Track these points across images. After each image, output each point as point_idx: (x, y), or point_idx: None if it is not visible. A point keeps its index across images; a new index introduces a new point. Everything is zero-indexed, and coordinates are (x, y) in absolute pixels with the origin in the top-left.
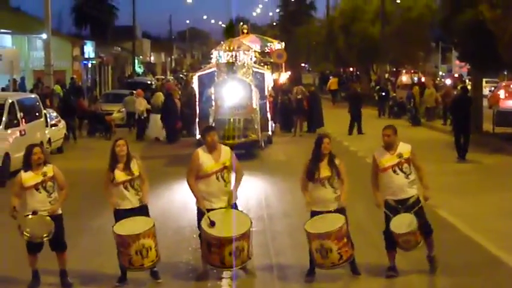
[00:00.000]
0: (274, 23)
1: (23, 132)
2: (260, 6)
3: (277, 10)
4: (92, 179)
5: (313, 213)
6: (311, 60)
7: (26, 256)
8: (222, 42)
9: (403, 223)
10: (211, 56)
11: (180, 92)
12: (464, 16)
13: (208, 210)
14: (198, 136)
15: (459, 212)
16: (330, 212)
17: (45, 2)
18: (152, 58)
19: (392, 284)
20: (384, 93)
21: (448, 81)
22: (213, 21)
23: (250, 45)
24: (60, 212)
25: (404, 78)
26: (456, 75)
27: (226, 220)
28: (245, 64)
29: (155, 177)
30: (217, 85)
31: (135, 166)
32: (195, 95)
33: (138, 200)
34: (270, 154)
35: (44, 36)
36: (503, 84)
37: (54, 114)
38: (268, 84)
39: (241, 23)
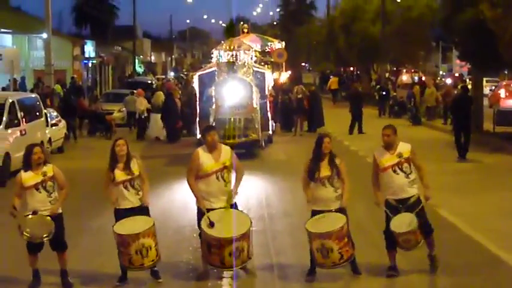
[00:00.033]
0: (275, 23)
1: (23, 132)
2: (260, 5)
3: (278, 9)
4: (92, 178)
5: (314, 213)
6: (311, 59)
7: (26, 256)
8: (222, 42)
9: (404, 222)
10: (212, 55)
11: (180, 92)
12: (464, 15)
13: (208, 210)
14: (198, 136)
15: (459, 211)
16: (331, 211)
17: (45, 1)
18: (153, 58)
19: (392, 284)
20: (384, 93)
21: (449, 81)
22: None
23: (250, 45)
24: (60, 211)
25: (405, 78)
26: (457, 74)
27: (226, 220)
28: (245, 63)
29: (155, 177)
30: (218, 84)
31: (135, 166)
32: (195, 94)
33: (139, 200)
34: (271, 153)
35: (45, 35)
36: (504, 83)
37: (55, 113)
38: (269, 83)
39: (242, 23)
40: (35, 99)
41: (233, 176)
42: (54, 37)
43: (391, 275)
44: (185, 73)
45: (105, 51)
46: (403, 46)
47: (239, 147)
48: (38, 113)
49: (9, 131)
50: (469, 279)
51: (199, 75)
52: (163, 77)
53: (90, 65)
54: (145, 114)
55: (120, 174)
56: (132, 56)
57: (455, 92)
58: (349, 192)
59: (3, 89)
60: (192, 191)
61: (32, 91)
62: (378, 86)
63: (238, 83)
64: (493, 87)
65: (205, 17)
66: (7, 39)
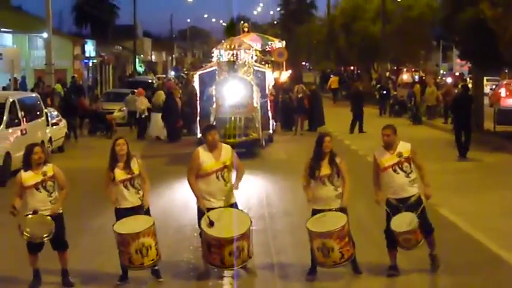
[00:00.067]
0: (275, 22)
1: (24, 132)
2: (261, 4)
3: (278, 9)
4: (92, 178)
5: (314, 211)
6: (312, 58)
7: (26, 255)
8: (223, 41)
9: (404, 222)
10: (212, 54)
11: (181, 91)
12: (465, 14)
13: (208, 210)
14: (199, 135)
15: (460, 210)
16: (331, 210)
17: (46, 1)
18: (153, 57)
19: (393, 283)
20: (384, 92)
21: (449, 80)
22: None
23: (251, 44)
24: (60, 211)
25: (405, 77)
26: (457, 73)
27: (226, 220)
28: (246, 63)
29: (156, 176)
30: (218, 84)
31: (135, 165)
32: (196, 93)
33: (139, 199)
34: (271, 153)
35: (45, 35)
36: (504, 82)
37: (55, 113)
38: (269, 82)
39: (242, 22)
40: (35, 98)
41: (234, 175)
42: (55, 36)
43: (391, 274)
44: (186, 72)
45: (105, 51)
46: (403, 45)
47: (240, 147)
48: (38, 113)
49: (10, 130)
50: (469, 279)
51: (199, 75)
52: (164, 76)
53: (90, 64)
54: (146, 114)
55: (120, 174)
56: (133, 55)
57: (456, 91)
58: (350, 191)
59: (4, 88)
60: (192, 190)
61: (32, 90)
62: (379, 85)
63: (238, 82)
64: (494, 86)
65: (205, 16)
66: (8, 39)
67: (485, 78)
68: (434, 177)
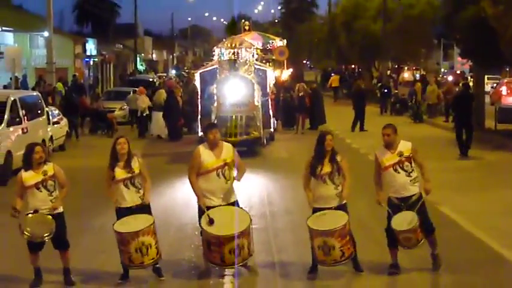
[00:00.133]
0: (276, 20)
1: (25, 130)
2: (262, 3)
3: (279, 7)
4: (94, 176)
5: (315, 210)
6: (313, 57)
7: (27, 254)
8: (224, 40)
9: (405, 220)
10: (213, 53)
11: (181, 90)
12: (466, 13)
13: (208, 208)
14: (200, 133)
15: (461, 209)
16: (331, 208)
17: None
18: (154, 56)
19: (394, 281)
20: (385, 90)
21: (450, 78)
22: (214, 18)
23: (252, 43)
24: (61, 210)
25: (406, 75)
26: (458, 71)
27: (225, 218)
28: (247, 61)
29: (157, 175)
30: (219, 82)
31: (135, 164)
32: (197, 92)
33: (139, 198)
34: (272, 151)
35: (46, 34)
36: (506, 80)
37: (56, 112)
38: (270, 81)
39: (243, 20)
40: (36, 97)
41: (235, 174)
42: (56, 35)
43: (392, 272)
44: (187, 71)
45: (106, 49)
46: (404, 43)
47: (241, 145)
48: (39, 111)
49: (11, 129)
50: (470, 277)
51: (200, 73)
52: (165, 75)
53: (91, 63)
54: (147, 112)
55: (120, 173)
56: (134, 54)
57: (457, 89)
58: (350, 188)
59: (5, 87)
60: (193, 189)
61: (33, 89)
62: (380, 84)
63: (239, 80)
64: (495, 85)
65: (206, 14)
66: (9, 38)
67: (486, 76)
68: (435, 176)
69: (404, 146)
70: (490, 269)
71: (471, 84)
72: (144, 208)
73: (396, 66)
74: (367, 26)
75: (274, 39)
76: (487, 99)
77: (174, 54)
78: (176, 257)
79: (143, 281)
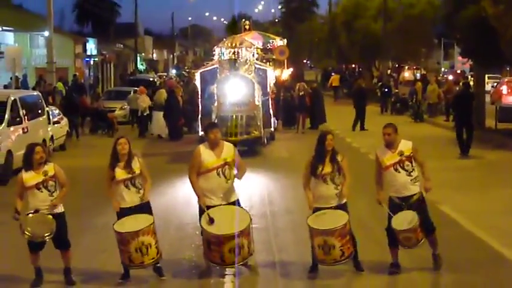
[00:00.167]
0: (276, 20)
1: (25, 130)
2: (262, 3)
3: (279, 7)
4: (94, 176)
5: (315, 210)
6: (313, 56)
7: (28, 254)
8: (224, 39)
9: (405, 220)
10: (214, 52)
11: (182, 89)
12: (466, 12)
13: (209, 207)
14: (200, 133)
15: (461, 208)
16: (331, 208)
17: None
18: (154, 55)
19: (394, 281)
20: (386, 90)
21: (451, 77)
22: (215, 18)
23: (252, 42)
24: (62, 210)
25: (407, 75)
26: (458, 71)
27: (225, 217)
28: (247, 61)
29: (158, 174)
30: (220, 82)
31: (136, 164)
32: (197, 91)
33: (140, 198)
34: (273, 151)
35: (46, 33)
36: (506, 80)
37: (57, 111)
38: (271, 80)
39: (244, 20)
40: (37, 97)
41: (235, 173)
42: (56, 35)
43: (393, 272)
44: (187, 70)
45: (106, 49)
46: (404, 43)
47: (241, 145)
48: (40, 111)
49: (12, 128)
50: (471, 277)
51: (201, 73)
52: (165, 74)
53: (92, 62)
54: (147, 112)
55: (120, 173)
56: (134, 53)
57: (457, 88)
58: (349, 187)
59: (5, 86)
60: (193, 188)
61: (34, 89)
62: (380, 83)
63: (240, 80)
64: (495, 84)
65: (207, 14)
66: (9, 37)
67: (486, 75)
68: (435, 175)
69: (405, 146)
70: (490, 268)
71: (471, 83)
72: (144, 207)
73: (397, 65)
74: (368, 26)
75: (275, 39)
76: (488, 98)
77: (175, 54)
78: (177, 257)
79: (144, 281)
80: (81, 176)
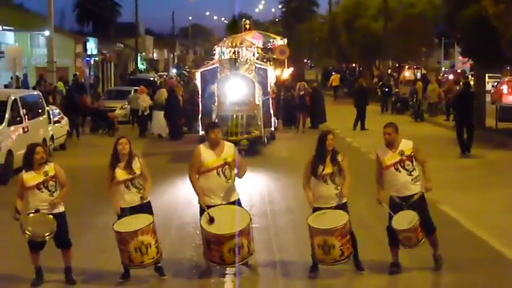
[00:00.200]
0: (277, 19)
1: (26, 129)
2: (262, 2)
3: (280, 6)
4: (95, 176)
5: (315, 209)
6: (314, 56)
7: (28, 254)
8: (224, 39)
9: (405, 220)
10: (214, 52)
11: (182, 89)
12: (467, 11)
13: (209, 207)
14: (201, 132)
15: (462, 207)
16: (331, 207)
17: None
18: (155, 55)
19: (395, 280)
20: (386, 89)
21: (451, 77)
22: (215, 17)
23: (252, 42)
24: (63, 210)
25: (407, 74)
26: (459, 70)
27: (225, 217)
28: (248, 60)
29: (158, 174)
30: (220, 81)
31: (136, 165)
32: (197, 91)
33: (140, 198)
34: (273, 150)
35: (47, 33)
36: (506, 79)
37: (57, 111)
38: (271, 80)
39: (244, 19)
40: (37, 96)
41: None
42: (57, 34)
43: (393, 271)
44: (187, 70)
45: (107, 49)
46: (405, 42)
47: (240, 144)
48: (40, 110)
49: (12, 128)
50: (471, 276)
51: (201, 72)
52: (166, 74)
53: (92, 62)
54: (148, 111)
55: (121, 174)
56: (135, 53)
57: (458, 88)
58: (349, 187)
59: (6, 86)
60: (194, 188)
61: (34, 88)
62: (380, 83)
63: (240, 79)
64: (496, 84)
65: (207, 13)
66: (9, 37)
67: (487, 75)
68: (436, 174)
69: (406, 145)
70: (490, 267)
71: (472, 83)
72: (144, 207)
73: (397, 65)
74: (368, 25)
75: (275, 38)
76: (488, 98)
77: (175, 53)
78: (177, 256)
79: (144, 280)
80: (81, 176)
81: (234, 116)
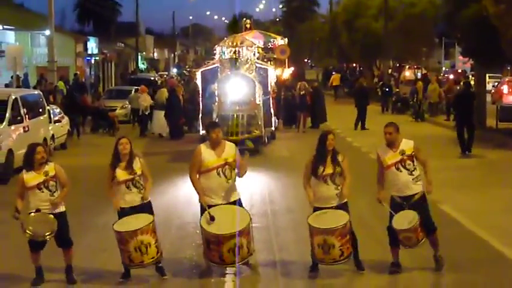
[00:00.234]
0: (277, 19)
1: (26, 129)
2: (263, 2)
3: (280, 6)
4: (95, 175)
5: (315, 209)
6: (314, 56)
7: (28, 253)
8: (225, 38)
9: (405, 219)
10: (215, 52)
11: (183, 89)
12: (467, 11)
13: (209, 206)
14: (201, 132)
15: (462, 207)
16: (332, 207)
17: None
18: (155, 54)
19: (395, 280)
20: (387, 89)
21: (451, 77)
22: (216, 17)
23: (253, 41)
24: (63, 209)
25: (408, 74)
26: (459, 70)
27: (225, 217)
28: (248, 60)
29: (159, 174)
30: (221, 81)
31: (137, 165)
32: (198, 91)
33: (141, 198)
34: (274, 150)
35: (47, 32)
36: (507, 79)
37: (58, 110)
38: (272, 80)
39: (245, 19)
40: (37, 95)
41: (236, 172)
42: (57, 34)
43: (394, 271)
44: (188, 70)
45: (107, 48)
46: (405, 42)
47: (242, 144)
48: (41, 110)
49: (12, 127)
50: (471, 276)
51: (202, 72)
52: (166, 73)
53: (92, 61)
54: (148, 111)
55: (122, 174)
56: (135, 52)
57: (458, 88)
58: (349, 187)
59: (6, 85)
60: (194, 187)
61: (35, 88)
62: (381, 82)
63: (241, 79)
64: (496, 83)
65: (208, 13)
66: (10, 36)
67: (487, 75)
68: (436, 174)
69: (407, 145)
70: (491, 267)
71: (472, 82)
72: (144, 207)
73: (397, 64)
74: (369, 25)
75: (276, 38)
76: (488, 98)
77: (176, 53)
78: (177, 256)
79: (144, 280)
80: (82, 175)
81: (235, 115)
